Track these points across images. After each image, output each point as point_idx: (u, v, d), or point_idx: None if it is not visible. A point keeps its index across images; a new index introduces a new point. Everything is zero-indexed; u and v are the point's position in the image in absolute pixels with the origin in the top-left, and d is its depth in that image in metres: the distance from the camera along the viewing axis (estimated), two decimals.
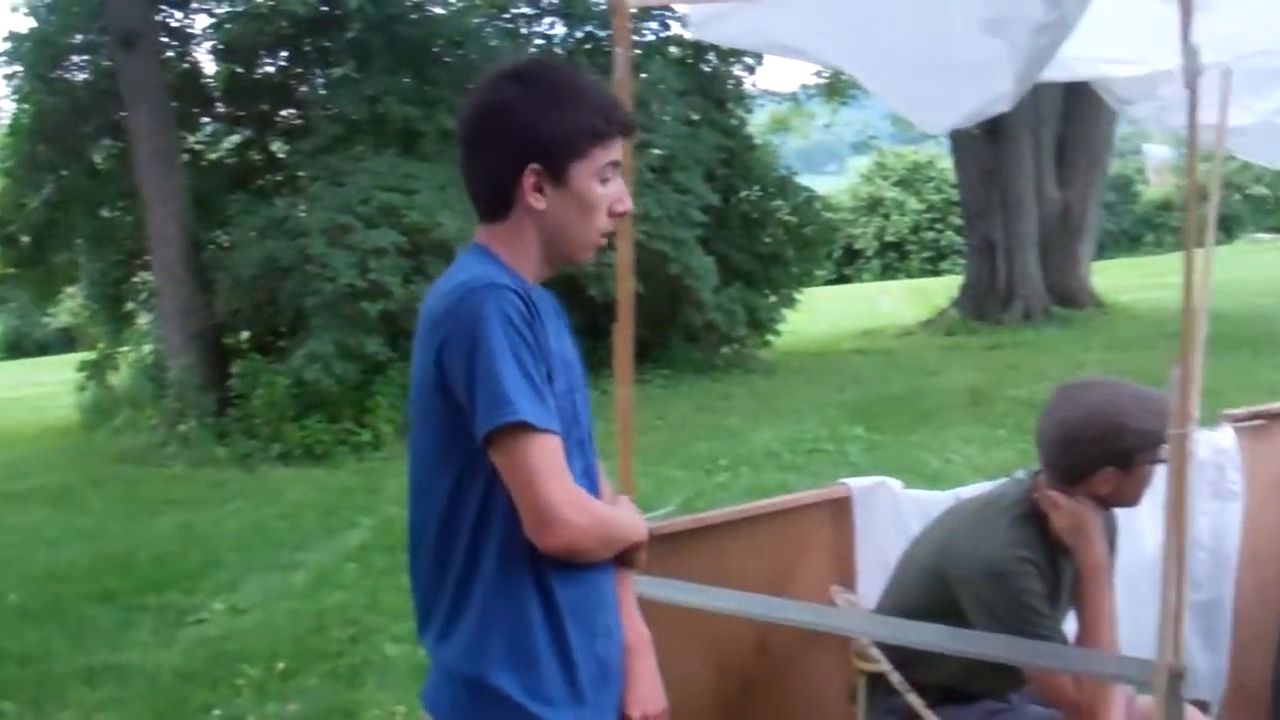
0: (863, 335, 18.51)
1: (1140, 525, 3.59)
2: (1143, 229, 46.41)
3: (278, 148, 14.91)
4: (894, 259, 38.69)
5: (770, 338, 16.11)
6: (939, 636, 2.78)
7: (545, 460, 1.92)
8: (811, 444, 10.09)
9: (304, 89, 14.58)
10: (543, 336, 1.97)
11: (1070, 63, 3.47)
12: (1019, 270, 17.63)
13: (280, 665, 5.73)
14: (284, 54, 14.59)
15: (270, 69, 14.79)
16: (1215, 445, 4.25)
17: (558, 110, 2.01)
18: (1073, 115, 17.43)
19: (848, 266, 39.17)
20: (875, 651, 2.98)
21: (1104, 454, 2.88)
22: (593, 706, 2.09)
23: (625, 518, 2.12)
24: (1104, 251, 41.76)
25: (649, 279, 13.04)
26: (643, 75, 13.79)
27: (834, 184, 39.98)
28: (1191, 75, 2.34)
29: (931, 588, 2.95)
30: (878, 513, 3.57)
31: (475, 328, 1.90)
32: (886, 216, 39.22)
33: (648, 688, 2.26)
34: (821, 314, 20.71)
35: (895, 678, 2.92)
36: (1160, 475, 2.75)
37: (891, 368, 14.47)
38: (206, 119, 15.17)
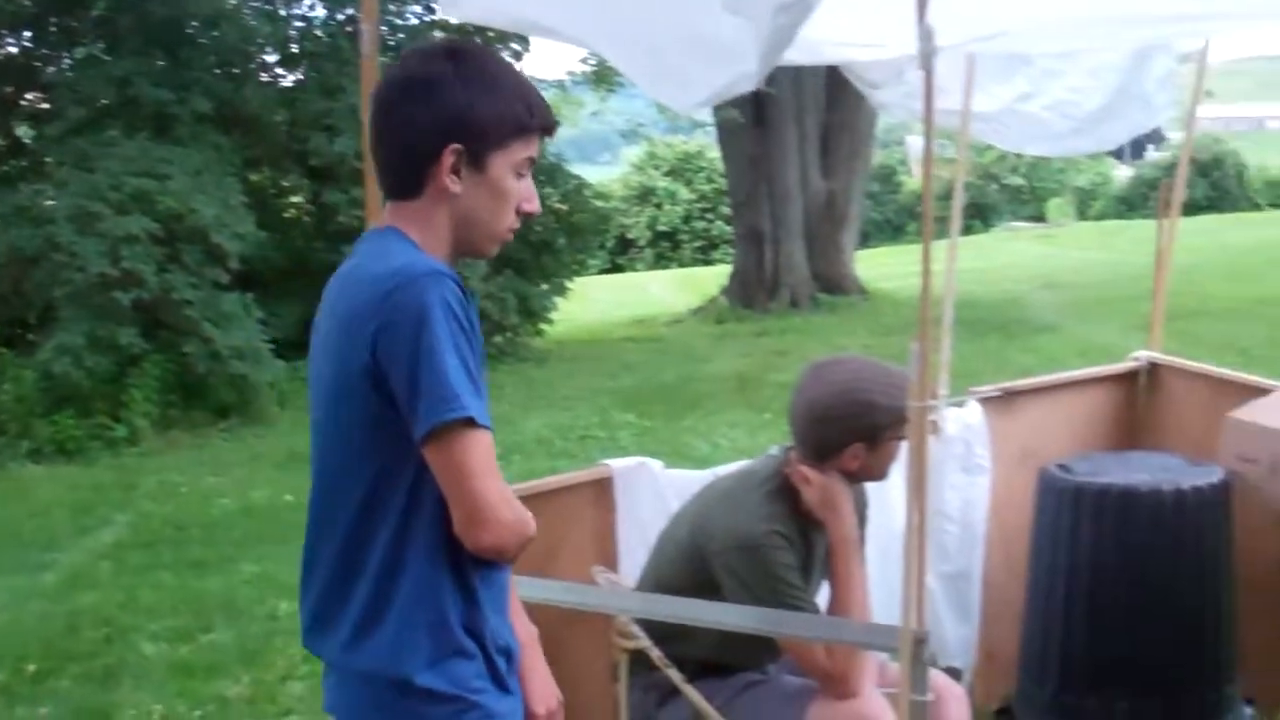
0: (635, 324, 18.67)
1: (891, 499, 3.70)
2: (905, 218, 48.08)
3: (23, 133, 14.17)
4: (666, 248, 39.05)
5: (544, 326, 16.09)
6: (696, 610, 2.81)
7: (484, 457, 1.91)
8: (583, 431, 10.14)
9: (50, 70, 13.88)
10: (477, 327, 1.95)
11: (819, 46, 3.56)
12: (785, 259, 18.02)
13: (30, 668, 5.51)
14: (27, 34, 13.87)
15: (13, 49, 14.03)
16: (963, 421, 4.43)
17: (488, 96, 2.00)
18: (835, 104, 17.87)
19: (621, 256, 39.41)
20: (635, 629, 2.99)
21: (852, 430, 2.96)
22: (515, 697, 2.12)
23: (529, 515, 2.04)
24: (869, 240, 43.10)
25: None
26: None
27: (608, 173, 40.21)
28: (927, 58, 2.41)
29: (688, 563, 2.99)
30: (639, 493, 3.60)
31: (420, 317, 1.85)
32: (659, 206, 39.58)
33: (543, 682, 2.30)
34: (595, 303, 20.84)
35: (655, 653, 2.94)
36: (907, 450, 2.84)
37: (662, 355, 14.63)
38: None
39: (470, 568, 2.00)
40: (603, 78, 17.02)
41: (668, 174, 40.34)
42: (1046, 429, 4.60)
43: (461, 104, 1.98)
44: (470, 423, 1.88)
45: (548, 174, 15.04)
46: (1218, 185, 43.52)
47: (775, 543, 2.87)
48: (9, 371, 10.45)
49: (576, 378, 13.07)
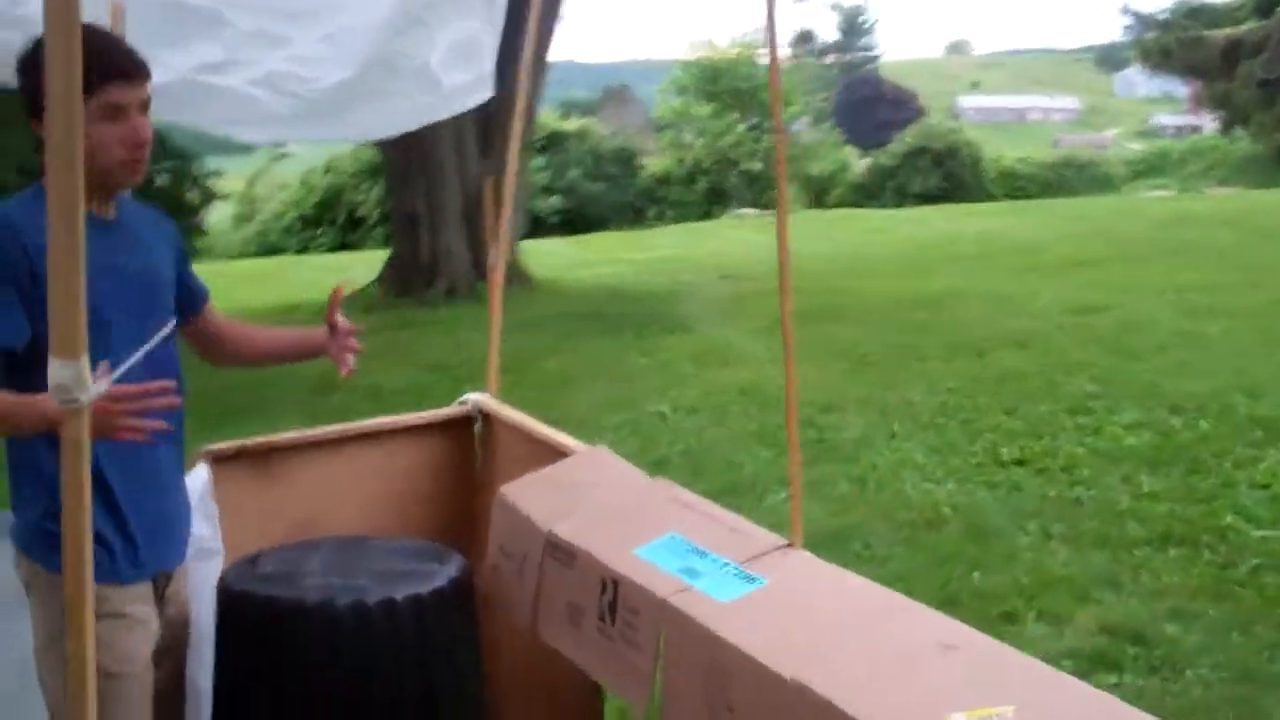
0: (282, 312, 17.18)
1: None
2: (645, 202, 47.44)
3: None
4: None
5: None
6: None
7: None
8: None
9: None
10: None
11: None
12: (442, 245, 16.82)
13: None
14: None
15: None
16: None
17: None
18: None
19: (351, 234, 37.82)
20: None
21: None
22: None
23: None
24: (608, 224, 42.37)
25: None
26: None
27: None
28: None
29: None
30: None
31: None
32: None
33: None
34: (246, 291, 19.25)
35: None
36: None
37: None
38: None
39: None
40: None
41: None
42: (334, 492, 3.50)
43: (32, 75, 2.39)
44: None
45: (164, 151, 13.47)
46: (951, 175, 44.33)
47: None
48: None
49: None
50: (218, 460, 3.34)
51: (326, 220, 39.23)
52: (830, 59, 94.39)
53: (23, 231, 2.40)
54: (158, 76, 3.12)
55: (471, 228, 16.99)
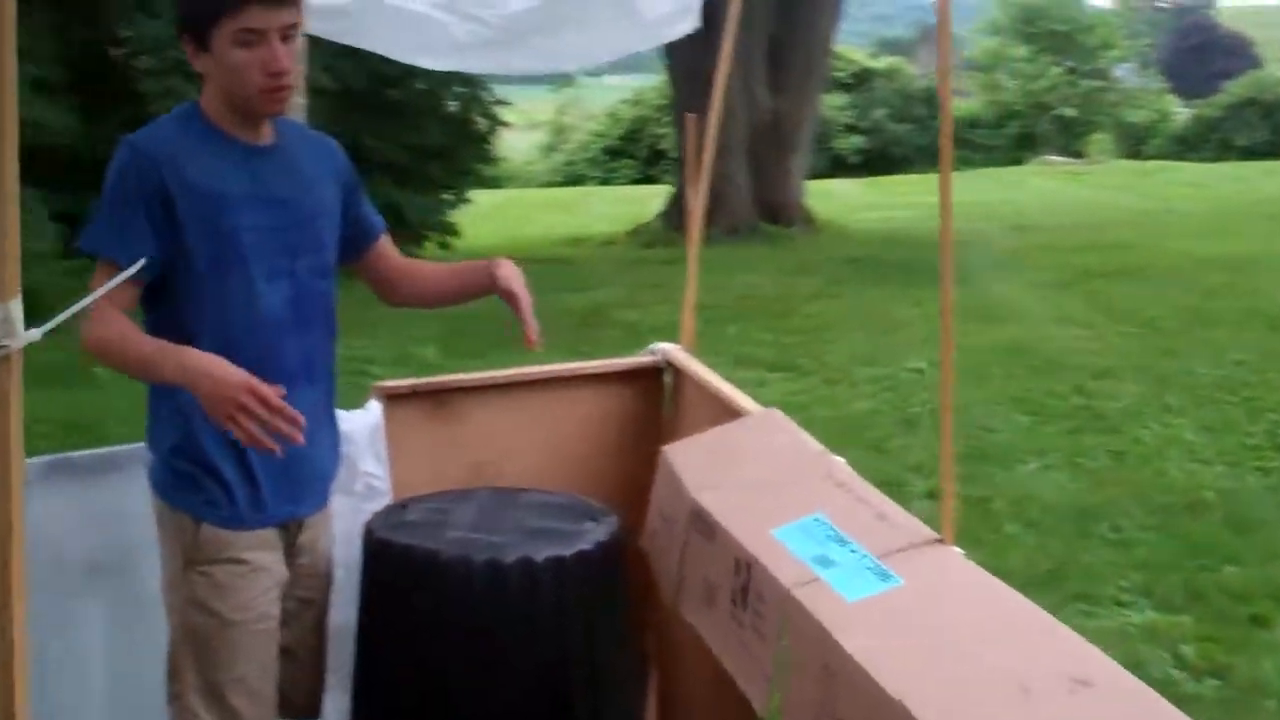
0: (570, 243, 17.43)
1: None
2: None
3: None
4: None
5: (451, 240, 14.93)
6: None
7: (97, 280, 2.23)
8: (361, 364, 8.97)
9: None
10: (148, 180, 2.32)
11: None
12: (725, 181, 16.63)
13: None
14: None
15: None
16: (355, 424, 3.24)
17: None
18: (788, 13, 16.36)
19: (653, 167, 38.14)
20: None
21: None
22: None
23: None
24: (909, 166, 41.39)
25: None
26: None
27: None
28: None
29: None
30: None
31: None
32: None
33: None
34: (542, 219, 19.62)
35: None
36: None
37: (552, 279, 13.39)
38: None
39: None
40: None
41: None
42: (507, 438, 3.39)
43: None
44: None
45: (442, 78, 13.74)
46: None
47: None
48: None
49: None
50: (390, 398, 3.28)
51: (629, 153, 39.62)
52: (1164, 1, 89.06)
53: (158, 159, 2.33)
54: None
55: (757, 164, 16.75)
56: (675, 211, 17.27)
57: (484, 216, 22.49)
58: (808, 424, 7.14)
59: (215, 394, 2.13)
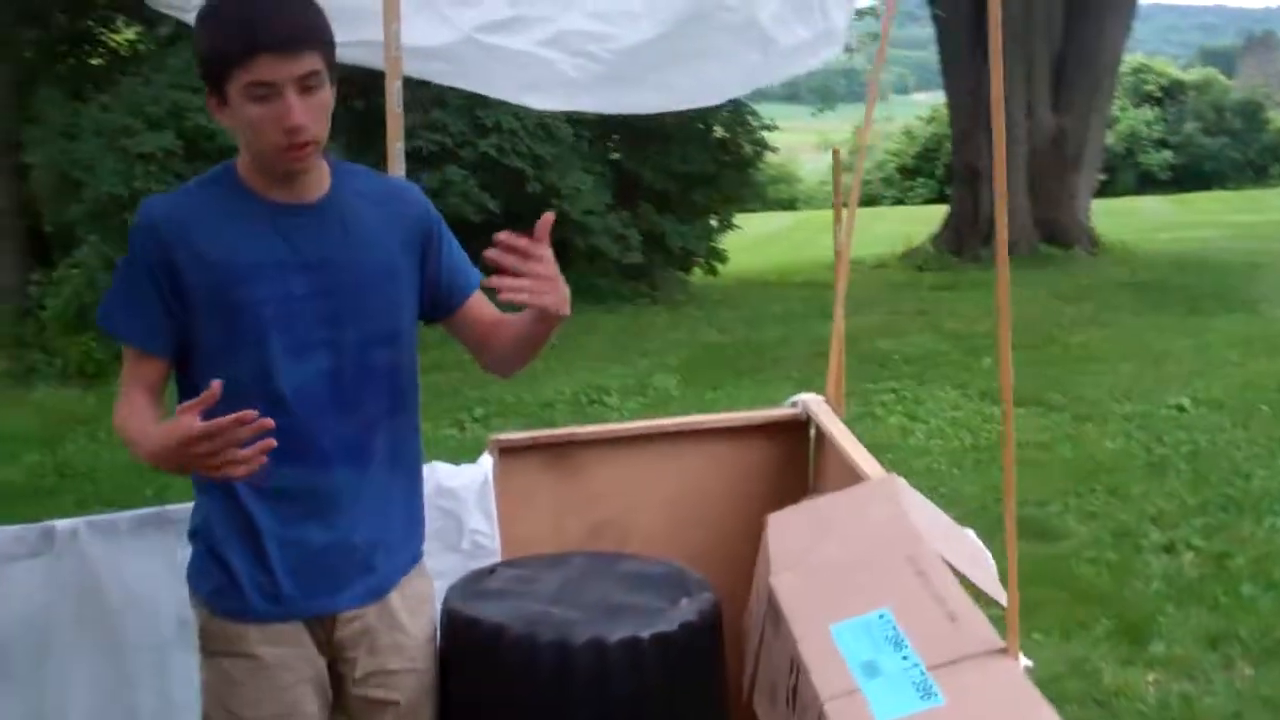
0: (825, 266, 17.09)
1: None
2: (1269, 159, 43.28)
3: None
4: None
5: (717, 265, 14.85)
6: None
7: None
8: (597, 395, 8.95)
9: None
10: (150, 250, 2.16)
11: None
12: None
13: None
14: None
15: None
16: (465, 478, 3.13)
17: (201, 32, 2.11)
18: (1073, 29, 15.62)
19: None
20: None
21: None
22: None
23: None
24: (1224, 182, 39.10)
25: (514, 199, 11.91)
26: None
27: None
28: None
29: None
30: None
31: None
32: None
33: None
34: (823, 241, 19.27)
35: None
36: None
37: (807, 304, 13.14)
38: None
39: None
40: None
41: None
42: (632, 495, 3.22)
43: (198, 47, 2.12)
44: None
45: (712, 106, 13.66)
46: None
47: None
48: (48, 290, 10.19)
49: (672, 330, 11.75)
50: (506, 451, 3.15)
51: (926, 171, 38.84)
52: None
53: (168, 228, 2.15)
54: (439, 36, 2.91)
55: (1035, 184, 16.05)
56: (950, 233, 16.73)
57: (768, 240, 22.37)
58: (1048, 464, 6.69)
59: (175, 462, 1.97)
